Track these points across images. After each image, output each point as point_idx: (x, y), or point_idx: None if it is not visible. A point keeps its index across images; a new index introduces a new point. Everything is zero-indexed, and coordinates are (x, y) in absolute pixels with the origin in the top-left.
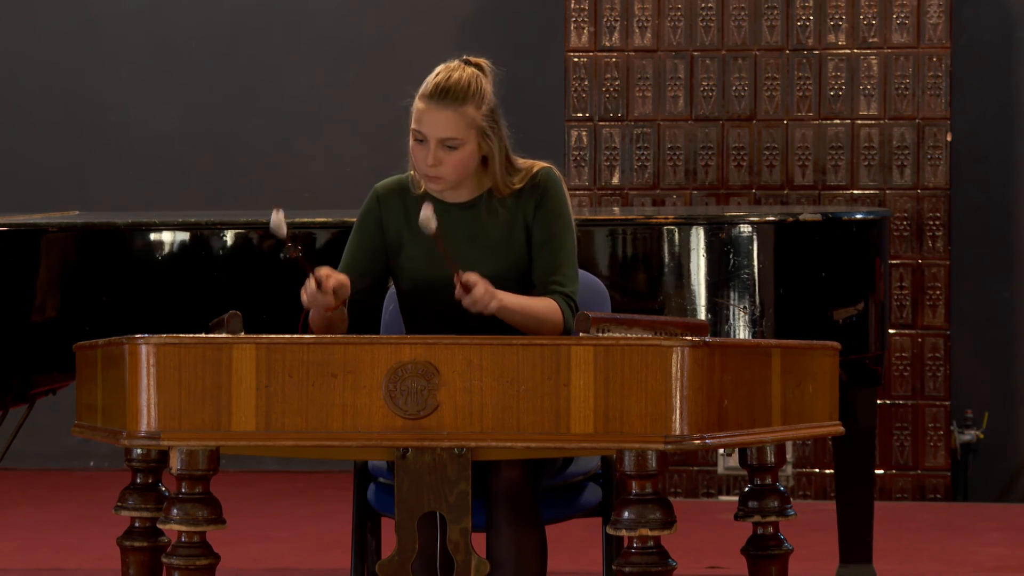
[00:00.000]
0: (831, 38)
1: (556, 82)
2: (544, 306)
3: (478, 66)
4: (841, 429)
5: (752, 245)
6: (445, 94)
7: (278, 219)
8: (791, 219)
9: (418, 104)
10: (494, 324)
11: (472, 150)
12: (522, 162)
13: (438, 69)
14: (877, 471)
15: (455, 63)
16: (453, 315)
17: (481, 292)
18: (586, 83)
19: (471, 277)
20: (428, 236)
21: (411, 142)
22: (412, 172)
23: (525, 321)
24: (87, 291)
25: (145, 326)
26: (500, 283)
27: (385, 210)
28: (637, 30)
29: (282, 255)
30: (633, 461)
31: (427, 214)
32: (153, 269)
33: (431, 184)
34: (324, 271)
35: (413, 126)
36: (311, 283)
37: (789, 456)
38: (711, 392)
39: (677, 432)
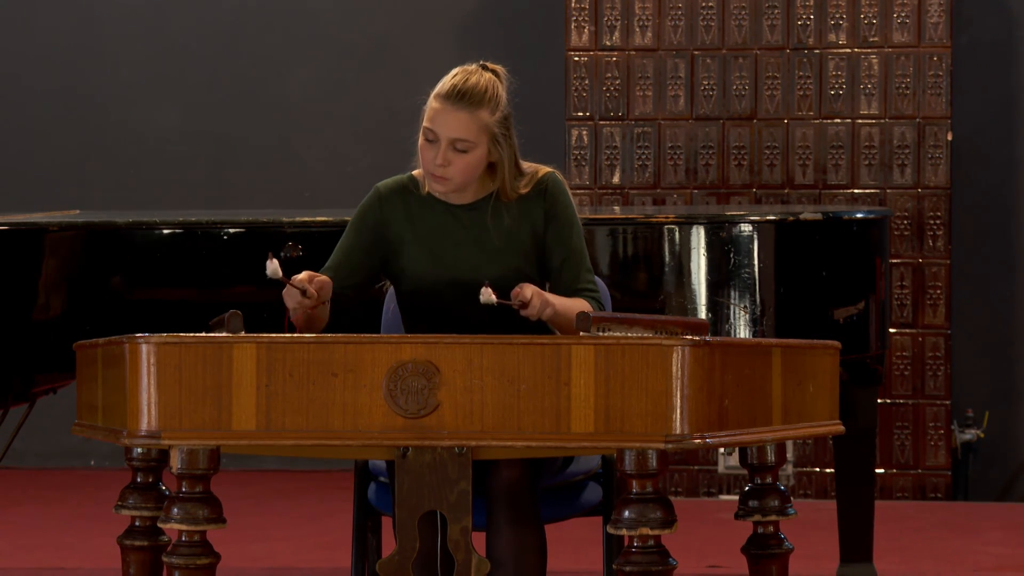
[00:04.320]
0: (832, 37)
1: (556, 82)
2: (580, 306)
3: (495, 73)
4: (841, 428)
5: (753, 244)
6: (462, 96)
7: (273, 267)
8: (792, 218)
9: (433, 103)
10: (493, 326)
11: (481, 155)
12: (527, 166)
13: (456, 71)
14: (878, 470)
15: (473, 67)
16: (454, 317)
17: (538, 305)
18: (587, 82)
19: (524, 292)
20: (430, 237)
21: (421, 140)
22: (416, 172)
23: (566, 324)
24: (88, 290)
25: (145, 325)
26: (503, 285)
27: (388, 210)
28: (638, 29)
29: (283, 254)
30: (633, 460)
31: (486, 298)
32: (153, 268)
33: (436, 184)
34: (303, 277)
35: (425, 124)
36: (295, 291)
37: (790, 455)
38: (712, 391)
39: (677, 431)
